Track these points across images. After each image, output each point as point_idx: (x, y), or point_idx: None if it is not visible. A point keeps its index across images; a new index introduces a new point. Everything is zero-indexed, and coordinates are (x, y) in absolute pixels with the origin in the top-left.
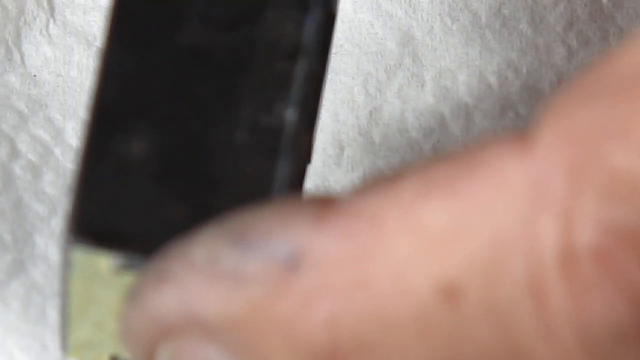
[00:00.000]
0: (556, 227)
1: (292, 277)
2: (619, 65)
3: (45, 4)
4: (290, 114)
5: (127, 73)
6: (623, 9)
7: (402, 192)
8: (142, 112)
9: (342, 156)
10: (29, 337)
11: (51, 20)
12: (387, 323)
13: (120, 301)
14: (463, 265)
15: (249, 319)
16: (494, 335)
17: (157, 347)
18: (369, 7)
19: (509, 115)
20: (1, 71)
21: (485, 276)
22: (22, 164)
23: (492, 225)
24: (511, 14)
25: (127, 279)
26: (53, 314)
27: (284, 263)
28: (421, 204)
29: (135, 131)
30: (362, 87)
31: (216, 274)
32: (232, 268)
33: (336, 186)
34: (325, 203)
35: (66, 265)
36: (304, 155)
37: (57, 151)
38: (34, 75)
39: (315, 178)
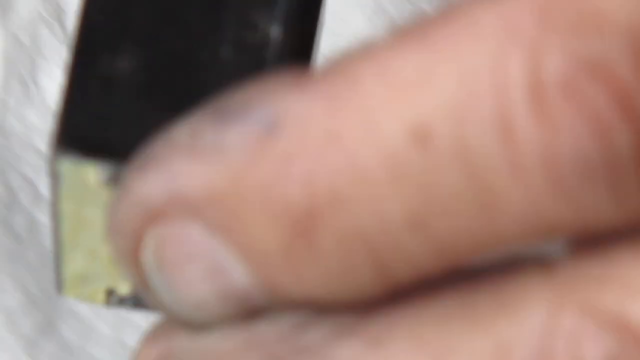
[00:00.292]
0: (525, 62)
1: (269, 141)
2: None
3: (60, 32)
4: (274, 30)
5: None
6: None
7: (379, 49)
8: (127, 31)
9: None
10: None
11: (67, 50)
12: (360, 174)
13: None
14: (432, 106)
15: (230, 191)
16: (463, 177)
17: (142, 237)
18: None
19: None
20: (19, 107)
21: (454, 117)
22: (46, 210)
23: (461, 66)
24: None
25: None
26: None
27: (262, 129)
28: (395, 54)
29: (120, 49)
30: None
31: (197, 149)
32: (212, 141)
33: None
34: (304, 72)
35: (55, 183)
36: None
37: None
38: (53, 109)
39: None
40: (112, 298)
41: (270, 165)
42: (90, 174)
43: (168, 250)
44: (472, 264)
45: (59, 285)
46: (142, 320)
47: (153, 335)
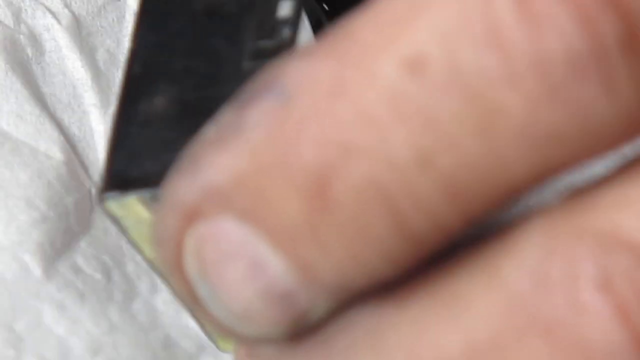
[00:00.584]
0: None
1: (284, 112)
2: None
3: None
4: (285, 33)
5: (150, 47)
6: None
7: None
8: (162, 74)
9: None
10: None
11: None
12: (366, 120)
13: None
14: (423, 36)
15: (252, 170)
16: (462, 102)
17: (183, 241)
18: None
19: None
20: None
21: (446, 41)
22: (164, 298)
23: None
24: None
25: None
26: None
27: (277, 103)
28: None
29: (157, 91)
30: None
31: (222, 139)
32: (234, 127)
33: None
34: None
35: (114, 222)
36: None
37: None
38: None
39: None
40: None
41: (287, 135)
42: (134, 204)
43: (207, 251)
44: (485, 220)
45: (214, 342)
46: None
47: None
